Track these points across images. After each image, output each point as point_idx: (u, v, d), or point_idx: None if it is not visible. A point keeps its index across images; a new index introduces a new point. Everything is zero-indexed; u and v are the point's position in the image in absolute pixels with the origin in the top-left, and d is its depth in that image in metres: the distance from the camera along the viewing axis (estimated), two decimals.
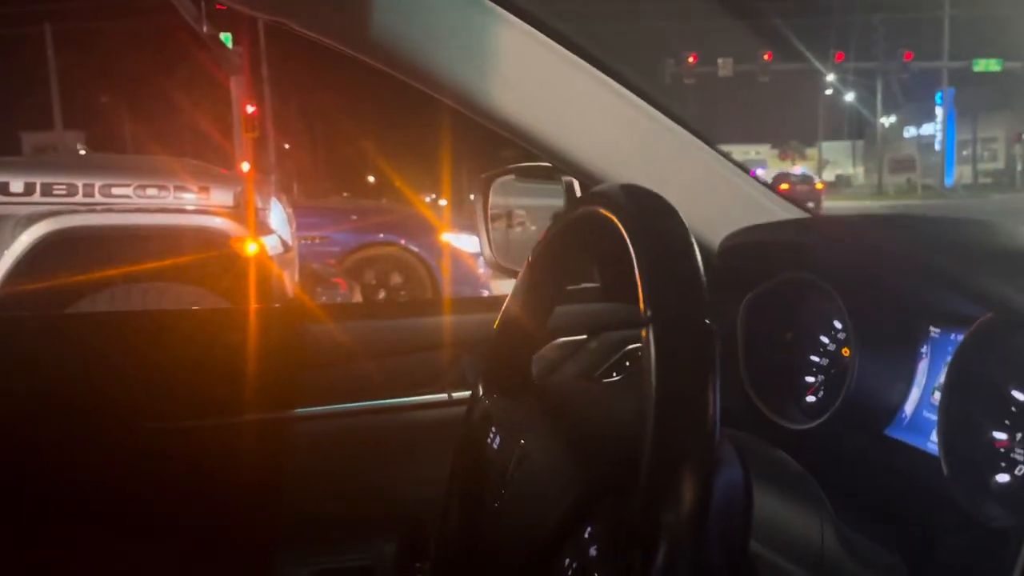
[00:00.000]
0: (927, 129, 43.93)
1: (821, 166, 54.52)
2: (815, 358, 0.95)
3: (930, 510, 0.73)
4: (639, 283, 0.56)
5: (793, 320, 0.98)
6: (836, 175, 57.15)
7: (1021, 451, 0.68)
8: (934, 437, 0.76)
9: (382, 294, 6.29)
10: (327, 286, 3.96)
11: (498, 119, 1.00)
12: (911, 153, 46.38)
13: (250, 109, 14.42)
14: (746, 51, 29.37)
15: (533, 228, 1.55)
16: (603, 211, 0.66)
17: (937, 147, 38.82)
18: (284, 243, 3.80)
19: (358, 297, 4.03)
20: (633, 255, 0.58)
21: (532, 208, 1.64)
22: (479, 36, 0.95)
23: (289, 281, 3.71)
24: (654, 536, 0.48)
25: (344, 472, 1.24)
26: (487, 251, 1.57)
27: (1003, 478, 0.69)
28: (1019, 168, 35.57)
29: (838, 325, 0.92)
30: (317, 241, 6.00)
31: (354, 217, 6.77)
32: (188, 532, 1.17)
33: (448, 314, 1.31)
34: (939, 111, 38.56)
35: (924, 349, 0.81)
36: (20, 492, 1.14)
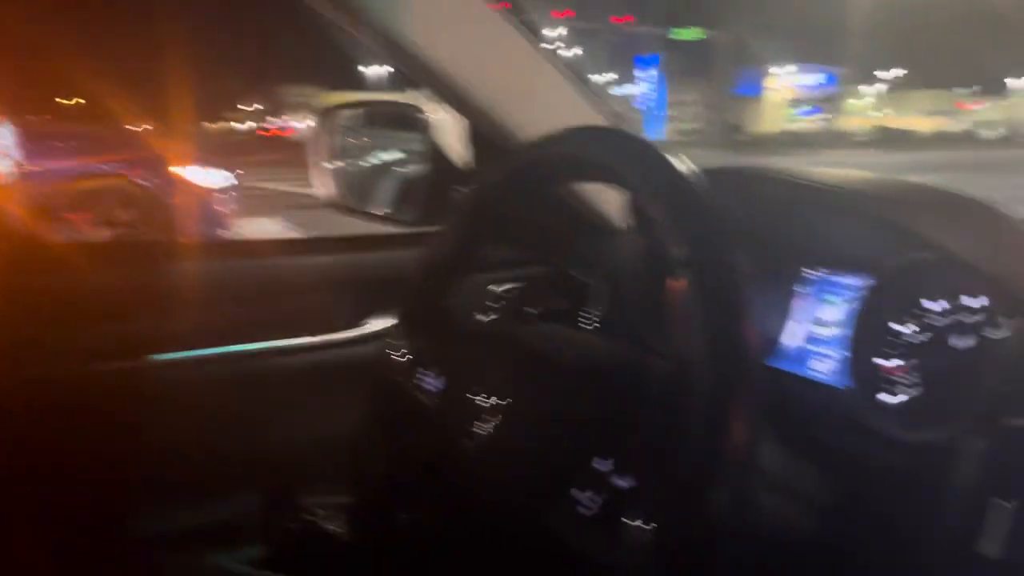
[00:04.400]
0: (629, 88, 47.94)
1: None
2: None
3: (816, 420, 0.85)
4: (661, 227, 0.59)
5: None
6: None
7: (905, 376, 0.82)
8: (812, 365, 0.88)
9: (108, 232, 5.72)
10: (60, 221, 3.53)
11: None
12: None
13: None
14: None
15: (377, 166, 1.50)
16: (587, 154, 0.68)
17: (638, 105, 42.63)
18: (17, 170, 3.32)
19: (96, 233, 3.64)
20: (646, 199, 0.61)
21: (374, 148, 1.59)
22: None
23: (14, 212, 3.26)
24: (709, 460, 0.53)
25: (200, 423, 1.15)
26: (323, 188, 1.50)
27: (889, 399, 0.82)
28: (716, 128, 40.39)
29: None
30: (27, 169, 5.27)
31: (73, 143, 6.02)
32: (33, 491, 1.03)
33: (306, 255, 1.25)
34: (640, 74, 42.58)
35: (801, 289, 0.93)
36: None
